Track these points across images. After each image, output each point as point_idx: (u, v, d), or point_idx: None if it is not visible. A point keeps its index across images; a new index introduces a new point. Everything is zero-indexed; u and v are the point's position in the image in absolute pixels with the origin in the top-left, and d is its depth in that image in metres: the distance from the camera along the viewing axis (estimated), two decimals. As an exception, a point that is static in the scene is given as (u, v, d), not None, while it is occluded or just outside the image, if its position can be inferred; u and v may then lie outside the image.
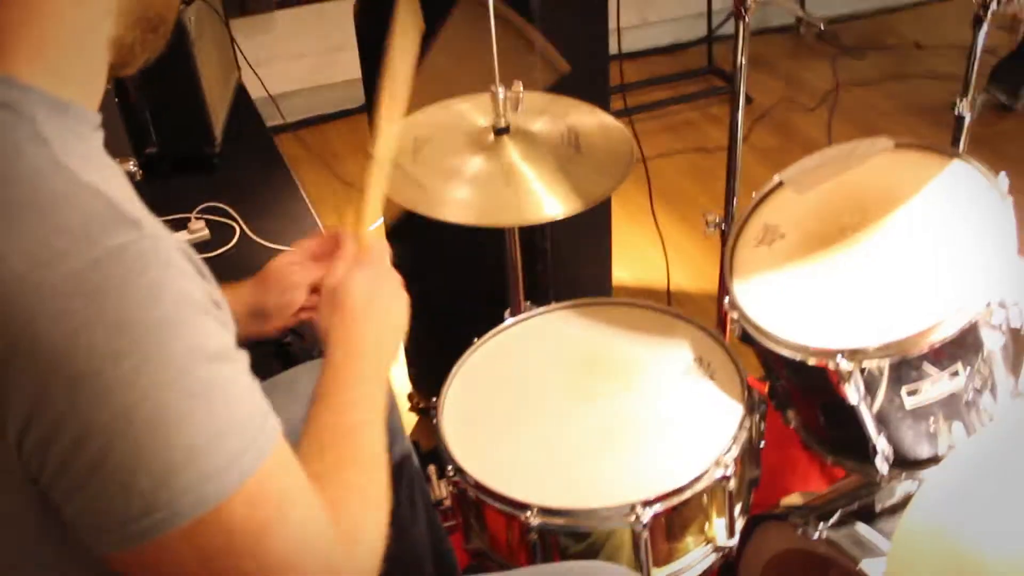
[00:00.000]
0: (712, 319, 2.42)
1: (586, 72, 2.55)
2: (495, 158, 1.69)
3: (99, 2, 0.86)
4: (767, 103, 4.27)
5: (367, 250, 1.23)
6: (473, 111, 1.79)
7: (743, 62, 1.80)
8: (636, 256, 3.28)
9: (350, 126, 4.18)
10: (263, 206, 2.59)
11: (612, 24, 2.68)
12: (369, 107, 2.51)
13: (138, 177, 2.02)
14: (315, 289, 1.32)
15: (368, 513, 0.97)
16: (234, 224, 2.48)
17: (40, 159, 0.78)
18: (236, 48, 3.29)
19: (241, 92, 3.26)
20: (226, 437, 0.79)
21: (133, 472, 0.75)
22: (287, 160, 2.97)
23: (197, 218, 2.48)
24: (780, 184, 1.65)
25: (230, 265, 2.36)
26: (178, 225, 2.46)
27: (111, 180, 0.83)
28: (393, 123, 1.38)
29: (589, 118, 1.79)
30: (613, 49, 2.71)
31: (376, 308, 1.16)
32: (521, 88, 1.69)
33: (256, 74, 3.55)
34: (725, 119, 2.10)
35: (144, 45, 0.93)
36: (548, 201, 1.61)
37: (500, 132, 1.70)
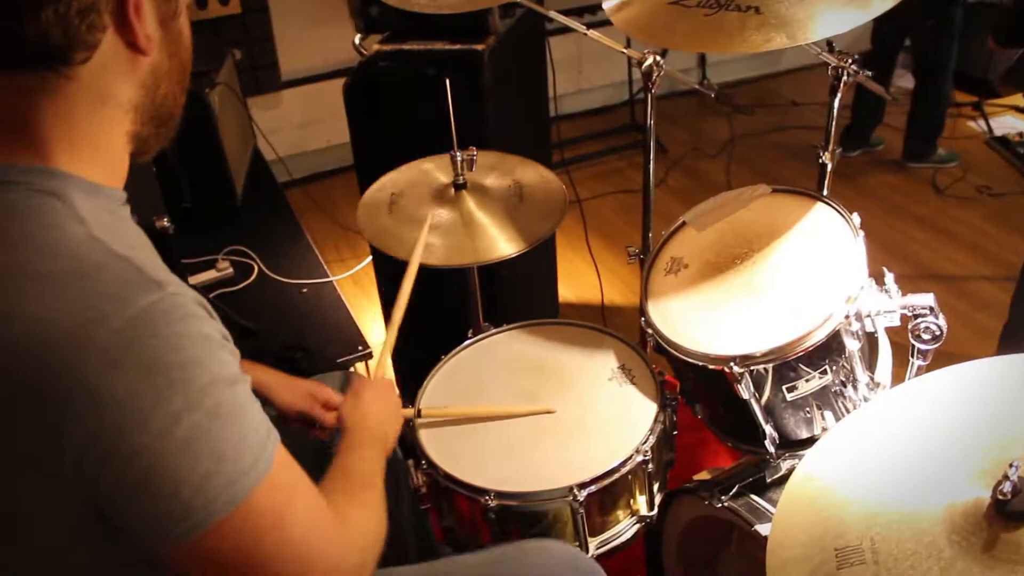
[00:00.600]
0: (638, 328, 2.41)
1: (531, 134, 2.56)
2: (456, 209, 1.67)
3: (120, 104, 0.86)
4: (679, 152, 4.29)
5: (379, 378, 1.39)
6: (436, 170, 1.77)
7: (651, 123, 1.80)
8: (577, 279, 3.28)
9: (345, 180, 4.12)
10: (276, 248, 2.57)
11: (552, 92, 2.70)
12: (358, 165, 2.50)
13: (171, 232, 1.98)
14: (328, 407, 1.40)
15: (363, 517, 1.03)
16: (253, 263, 2.46)
17: (79, 235, 0.79)
18: (252, 120, 3.26)
19: (257, 155, 3.23)
20: (245, 445, 0.80)
21: (174, 484, 0.76)
22: (295, 210, 2.95)
23: (223, 259, 2.47)
24: (683, 223, 1.63)
25: (250, 297, 2.35)
26: (208, 265, 2.44)
27: (137, 247, 0.82)
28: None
29: (531, 172, 1.77)
30: (554, 112, 2.72)
31: (381, 408, 1.31)
32: (475, 151, 1.69)
33: (268, 141, 3.53)
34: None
35: (158, 137, 0.93)
36: (500, 244, 1.60)
37: (459, 187, 1.69)
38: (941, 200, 3.81)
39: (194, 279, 2.38)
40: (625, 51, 1.71)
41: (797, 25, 1.30)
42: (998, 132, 4.23)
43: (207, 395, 0.77)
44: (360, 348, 2.11)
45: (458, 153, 1.65)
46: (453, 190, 1.69)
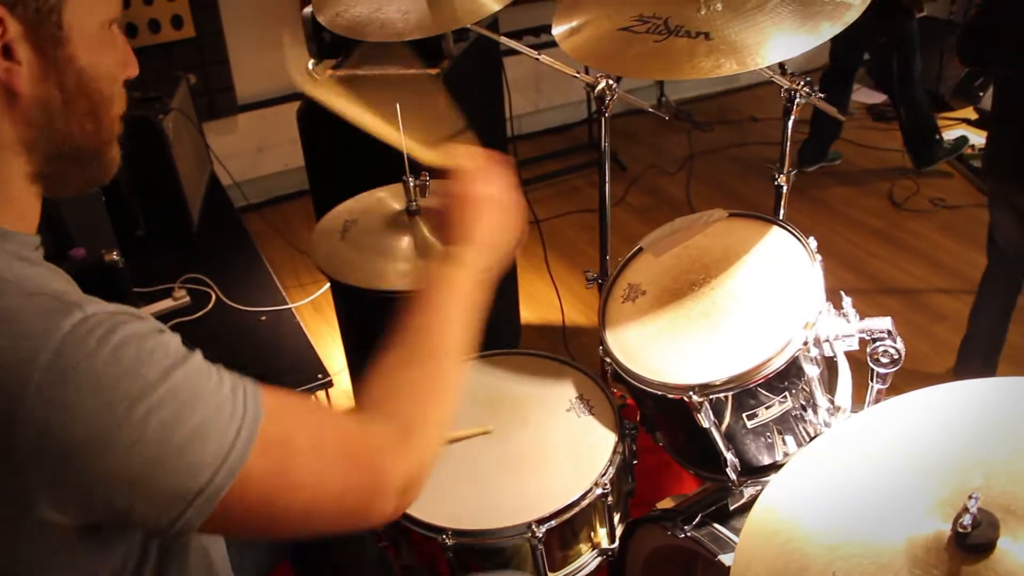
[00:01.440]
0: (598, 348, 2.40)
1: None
2: (410, 235, 1.65)
3: (8, 146, 0.80)
4: (638, 170, 4.29)
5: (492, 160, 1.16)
6: (390, 197, 1.75)
7: (606, 146, 1.79)
8: (538, 300, 3.26)
9: (303, 204, 4.06)
10: (234, 275, 2.50)
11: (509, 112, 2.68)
12: (314, 189, 2.47)
13: (120, 265, 1.92)
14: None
15: (425, 409, 0.94)
16: (210, 291, 2.40)
17: None
18: (207, 145, 3.22)
19: (213, 180, 3.16)
20: (221, 412, 0.77)
21: (165, 483, 0.74)
22: (253, 235, 2.88)
23: (179, 287, 2.39)
24: (640, 249, 1.62)
25: (207, 325, 2.29)
26: (164, 294, 2.37)
27: (50, 280, 0.79)
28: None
29: None
30: (511, 132, 2.71)
31: (496, 212, 1.13)
32: (428, 176, 1.66)
33: (223, 166, 3.48)
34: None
35: (75, 174, 0.87)
36: None
37: (412, 213, 1.66)
38: (897, 213, 3.86)
39: (149, 309, 2.32)
40: (578, 75, 1.69)
41: (747, 51, 1.30)
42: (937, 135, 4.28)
43: (162, 385, 0.74)
44: (320, 376, 2.05)
45: (410, 179, 1.62)
46: (407, 216, 1.66)
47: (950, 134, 4.37)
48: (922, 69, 4.00)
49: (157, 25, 3.62)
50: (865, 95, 4.83)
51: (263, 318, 2.31)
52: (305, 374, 2.06)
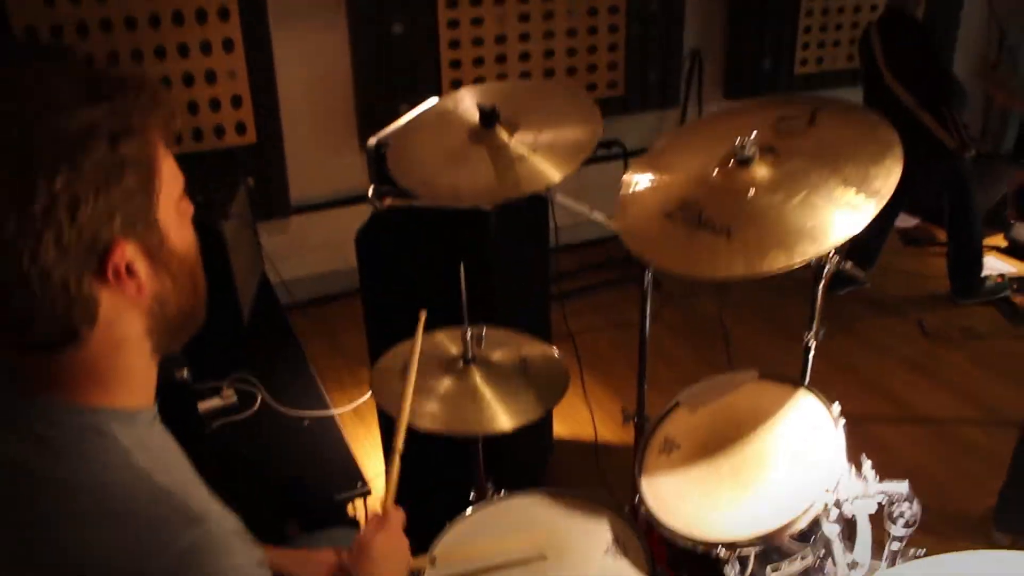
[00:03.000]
0: (630, 475, 2.51)
1: (532, 305, 2.73)
2: (463, 381, 1.80)
3: (136, 339, 0.95)
4: (673, 287, 4.41)
5: (388, 516, 1.41)
6: (448, 341, 1.91)
7: (648, 282, 1.93)
8: (571, 414, 3.35)
9: (346, 305, 4.22)
10: (279, 376, 2.62)
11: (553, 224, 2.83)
12: (366, 305, 2.64)
13: (189, 383, 2.11)
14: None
15: None
16: (256, 392, 2.52)
17: (125, 471, 0.91)
18: (260, 247, 3.40)
19: (263, 279, 3.33)
20: None
21: None
22: (297, 333, 3.01)
23: (227, 387, 2.51)
24: (677, 404, 1.79)
25: (252, 426, 2.41)
26: (213, 392, 2.49)
27: (173, 469, 0.96)
28: (403, 426, 1.54)
29: (536, 350, 1.91)
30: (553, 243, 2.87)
31: (388, 559, 1.37)
32: (484, 329, 1.83)
33: (273, 265, 3.67)
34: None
35: (182, 335, 1.02)
36: (501, 418, 1.72)
37: (468, 362, 1.83)
38: (927, 342, 3.97)
39: (202, 405, 2.46)
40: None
41: (757, 253, 1.44)
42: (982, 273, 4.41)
43: None
44: (359, 485, 2.16)
45: (468, 330, 1.79)
46: (462, 363, 1.83)
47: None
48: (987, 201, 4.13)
49: (222, 131, 3.89)
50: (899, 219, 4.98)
51: (306, 423, 2.41)
52: (345, 482, 2.15)
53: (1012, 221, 4.51)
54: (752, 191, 1.49)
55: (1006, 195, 4.52)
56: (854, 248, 4.16)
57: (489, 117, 1.76)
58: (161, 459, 0.96)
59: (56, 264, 0.83)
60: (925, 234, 4.90)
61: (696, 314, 4.21)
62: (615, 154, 4.46)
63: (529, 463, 2.94)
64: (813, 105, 1.58)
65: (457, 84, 4.35)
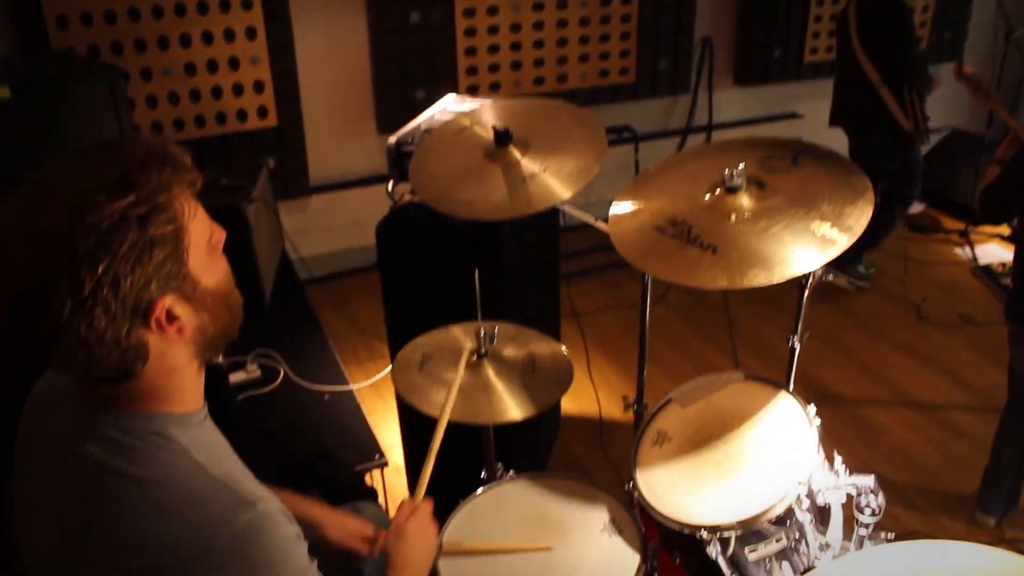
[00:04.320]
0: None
1: (542, 301, 2.91)
2: (476, 374, 1.97)
3: (185, 364, 1.14)
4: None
5: (419, 507, 1.62)
6: (463, 335, 2.09)
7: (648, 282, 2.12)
8: (577, 391, 3.47)
9: (363, 280, 4.47)
10: (300, 352, 2.78)
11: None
12: (386, 294, 2.83)
13: (224, 366, 2.31)
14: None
15: None
16: (279, 367, 2.68)
17: (185, 465, 1.12)
18: (281, 226, 3.59)
19: (283, 256, 3.52)
20: None
21: None
22: (316, 308, 3.20)
23: (251, 362, 2.68)
24: (670, 400, 2.00)
25: (275, 399, 2.57)
26: (238, 366, 2.65)
27: (224, 460, 1.18)
28: (440, 434, 1.77)
29: (544, 347, 2.08)
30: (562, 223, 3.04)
31: (420, 542, 1.58)
32: (496, 327, 2.02)
33: (292, 243, 3.86)
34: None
35: (221, 345, 1.21)
36: (511, 409, 1.90)
37: (480, 356, 2.00)
38: (923, 327, 4.14)
39: (231, 378, 2.61)
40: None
41: (739, 271, 1.63)
42: (983, 261, 4.60)
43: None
44: (377, 457, 2.33)
45: (482, 327, 1.98)
46: (476, 357, 2.01)
47: (985, 248, 4.68)
48: (956, 182, 4.28)
49: (244, 115, 4.09)
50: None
51: (326, 397, 2.57)
52: (363, 454, 2.34)
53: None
54: (733, 217, 1.69)
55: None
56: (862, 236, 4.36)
57: (503, 137, 1.95)
58: (214, 454, 1.17)
59: (107, 328, 1.02)
60: (931, 221, 5.06)
61: (701, 297, 4.34)
62: (626, 138, 4.64)
63: (538, 443, 3.14)
64: (795, 148, 1.78)
65: (473, 71, 4.53)
